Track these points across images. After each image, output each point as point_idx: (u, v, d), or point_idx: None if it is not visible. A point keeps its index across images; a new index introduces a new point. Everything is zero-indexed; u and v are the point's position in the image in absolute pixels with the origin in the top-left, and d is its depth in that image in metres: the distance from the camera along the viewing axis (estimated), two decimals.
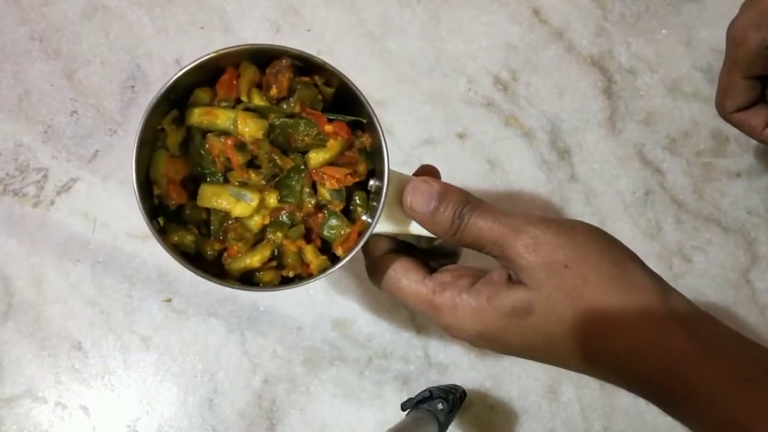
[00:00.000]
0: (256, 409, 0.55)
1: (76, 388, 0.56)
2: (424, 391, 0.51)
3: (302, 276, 0.37)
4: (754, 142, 0.59)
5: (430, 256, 0.39)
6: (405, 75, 0.62)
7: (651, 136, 0.60)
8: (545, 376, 0.55)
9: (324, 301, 0.57)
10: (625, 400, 0.54)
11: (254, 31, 0.63)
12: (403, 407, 0.51)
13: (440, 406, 0.48)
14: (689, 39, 0.62)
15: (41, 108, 0.62)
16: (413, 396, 0.51)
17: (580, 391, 0.54)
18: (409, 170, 0.59)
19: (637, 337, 0.29)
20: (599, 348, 0.30)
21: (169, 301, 0.57)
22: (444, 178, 0.59)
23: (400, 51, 0.62)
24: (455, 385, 0.53)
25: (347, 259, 0.35)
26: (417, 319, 0.56)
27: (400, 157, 0.59)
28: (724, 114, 0.47)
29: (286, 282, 0.37)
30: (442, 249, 0.40)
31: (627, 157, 0.59)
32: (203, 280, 0.59)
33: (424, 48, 0.62)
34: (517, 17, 0.63)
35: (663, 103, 0.60)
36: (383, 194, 0.35)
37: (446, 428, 0.49)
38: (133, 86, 0.62)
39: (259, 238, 0.37)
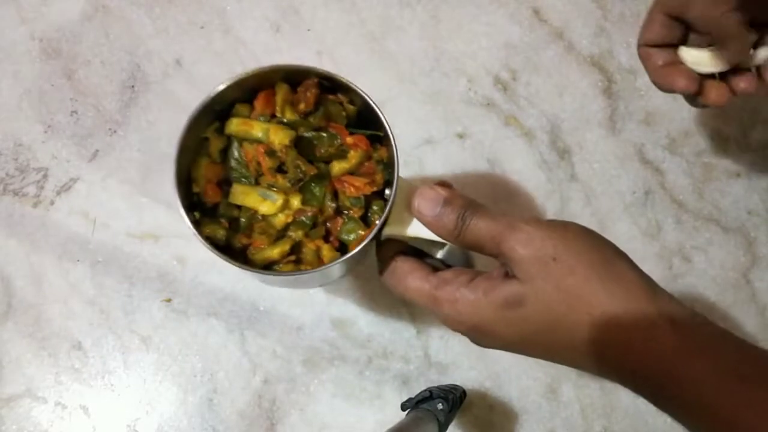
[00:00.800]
0: (256, 409, 0.55)
1: (76, 388, 0.55)
2: (424, 390, 0.51)
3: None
4: (754, 142, 0.59)
5: (444, 266, 0.41)
6: (405, 75, 0.62)
7: (651, 136, 0.60)
8: (545, 376, 0.55)
9: (324, 301, 0.57)
10: (625, 400, 0.54)
11: (254, 31, 0.63)
12: (403, 407, 0.51)
13: (440, 406, 0.48)
14: None
15: (41, 108, 0.62)
16: (413, 396, 0.51)
17: (580, 391, 0.54)
18: (409, 170, 0.59)
19: (623, 331, 0.30)
20: (586, 339, 0.30)
21: (169, 301, 0.57)
22: (444, 179, 0.59)
23: (400, 51, 0.62)
24: (455, 385, 0.53)
25: (356, 250, 0.38)
26: (417, 319, 0.56)
27: (400, 157, 0.59)
28: (637, 44, 0.47)
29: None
30: (456, 260, 0.42)
31: (627, 157, 0.59)
32: (203, 280, 0.60)
33: (424, 48, 0.62)
34: (517, 17, 0.63)
35: (663, 102, 0.60)
36: (392, 196, 0.39)
37: (446, 428, 0.48)
38: (133, 86, 0.62)
39: (281, 235, 0.41)
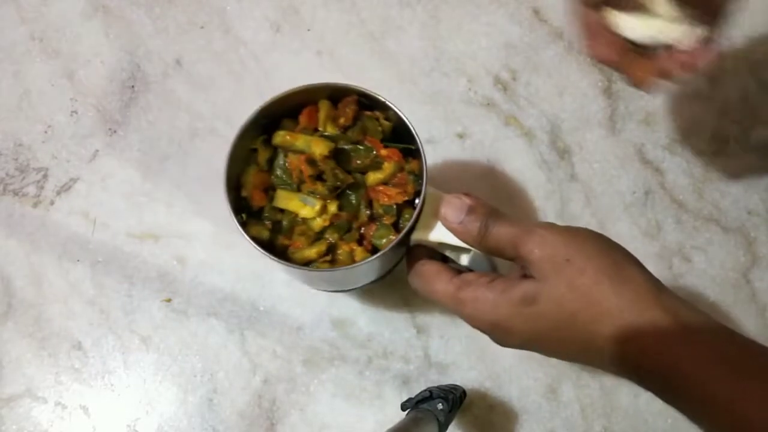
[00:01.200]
0: (256, 409, 0.55)
1: (76, 388, 0.56)
2: (424, 390, 0.51)
3: None
4: (754, 142, 0.59)
5: (468, 271, 0.44)
6: (405, 75, 0.62)
7: (651, 136, 0.60)
8: (545, 376, 0.55)
9: (324, 301, 0.57)
10: (625, 400, 0.54)
11: (254, 30, 0.63)
12: (403, 407, 0.51)
13: (440, 406, 0.48)
14: None
15: (41, 108, 0.62)
16: (413, 396, 0.51)
17: (580, 391, 0.54)
18: None
19: (630, 330, 0.32)
20: (596, 336, 0.33)
21: (168, 301, 0.57)
22: (444, 178, 0.59)
23: (400, 51, 0.62)
24: (455, 385, 0.53)
25: (384, 251, 0.42)
26: (417, 318, 0.56)
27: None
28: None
29: None
30: (479, 266, 0.45)
31: (627, 157, 0.59)
32: (203, 280, 0.60)
33: (424, 48, 0.62)
34: (517, 17, 0.63)
35: (663, 102, 0.60)
36: (420, 204, 0.43)
37: (446, 428, 0.49)
38: (133, 86, 0.62)
39: (319, 237, 0.45)
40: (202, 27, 0.64)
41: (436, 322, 0.56)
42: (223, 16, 0.64)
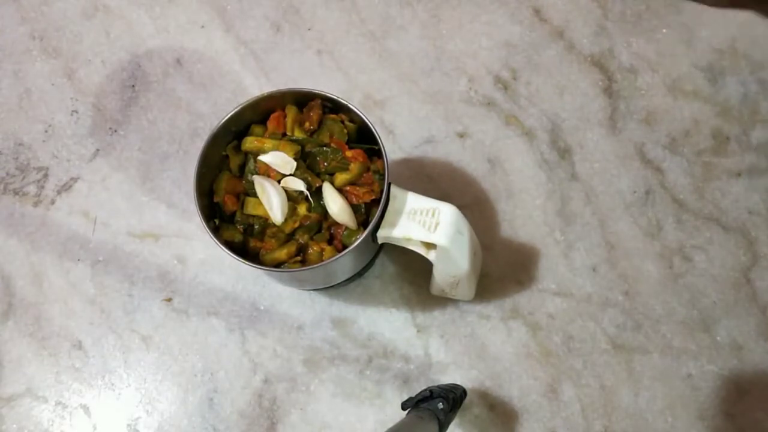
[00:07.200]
0: (256, 408, 0.55)
1: (77, 388, 0.56)
2: (425, 390, 0.51)
3: None
4: (754, 142, 0.59)
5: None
6: (405, 74, 0.62)
7: (651, 136, 0.60)
8: (545, 376, 0.55)
9: (324, 301, 0.57)
10: (626, 400, 0.54)
11: (254, 30, 0.63)
12: (404, 406, 0.51)
13: (440, 405, 0.48)
14: (690, 38, 0.62)
15: (42, 107, 0.62)
16: (413, 395, 0.51)
17: (580, 390, 0.54)
18: (410, 169, 0.59)
19: None
20: None
21: (169, 300, 0.57)
22: (445, 178, 0.59)
23: (400, 50, 0.62)
24: (455, 384, 0.53)
25: (350, 248, 0.44)
26: (417, 318, 0.56)
27: (400, 156, 0.59)
28: None
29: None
30: (446, 261, 0.46)
31: (627, 157, 0.59)
32: (203, 280, 0.60)
33: (425, 47, 0.62)
34: (518, 16, 0.63)
35: (663, 102, 0.60)
36: (383, 201, 0.44)
37: (446, 428, 0.48)
38: (133, 85, 0.62)
39: (289, 239, 0.47)
40: (202, 26, 0.64)
41: (436, 321, 0.56)
42: (224, 15, 0.64)
